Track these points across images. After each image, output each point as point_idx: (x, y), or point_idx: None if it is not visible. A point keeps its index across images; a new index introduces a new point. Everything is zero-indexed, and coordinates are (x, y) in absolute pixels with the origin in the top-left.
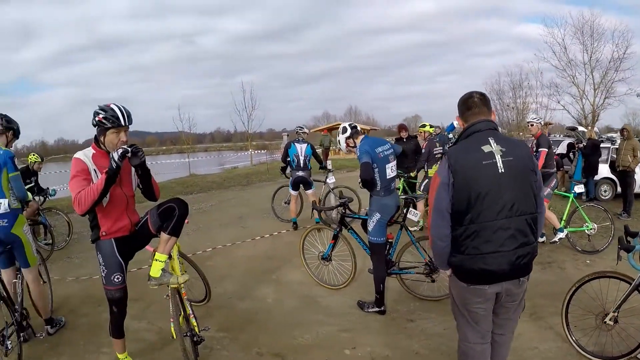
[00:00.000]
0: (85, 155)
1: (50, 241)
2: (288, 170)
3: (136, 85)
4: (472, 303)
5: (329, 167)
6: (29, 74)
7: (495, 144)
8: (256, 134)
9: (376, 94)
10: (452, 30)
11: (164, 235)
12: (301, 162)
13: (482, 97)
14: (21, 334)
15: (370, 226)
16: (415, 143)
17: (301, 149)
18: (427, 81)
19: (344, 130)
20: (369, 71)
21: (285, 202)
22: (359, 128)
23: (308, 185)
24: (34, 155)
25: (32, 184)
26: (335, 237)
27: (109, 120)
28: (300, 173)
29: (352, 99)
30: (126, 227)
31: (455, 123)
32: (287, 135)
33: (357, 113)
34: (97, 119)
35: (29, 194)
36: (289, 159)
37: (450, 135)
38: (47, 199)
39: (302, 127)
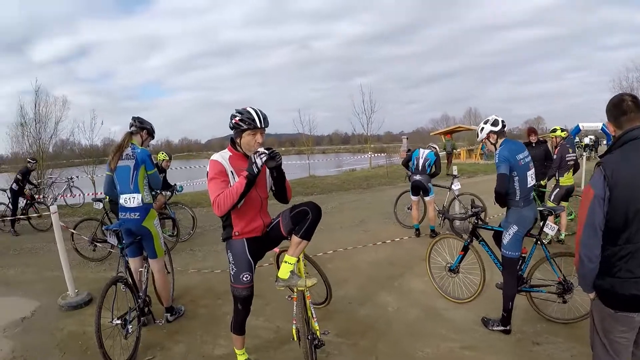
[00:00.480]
0: (222, 157)
1: (176, 233)
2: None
3: (255, 88)
4: (616, 332)
5: (454, 172)
6: (156, 79)
7: None
8: (374, 137)
9: (496, 94)
10: (575, 22)
11: (295, 239)
12: (420, 165)
13: (635, 100)
14: (141, 319)
15: (506, 239)
16: (545, 149)
17: (423, 153)
18: (551, 79)
19: (495, 122)
20: (489, 70)
21: (408, 208)
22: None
23: (425, 191)
24: (162, 153)
25: (161, 180)
26: (465, 249)
27: (246, 122)
28: (417, 177)
29: (471, 100)
30: (259, 229)
31: (582, 125)
32: (407, 138)
33: (477, 115)
34: (233, 121)
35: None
36: (410, 162)
37: (577, 139)
38: (174, 194)
39: (431, 146)
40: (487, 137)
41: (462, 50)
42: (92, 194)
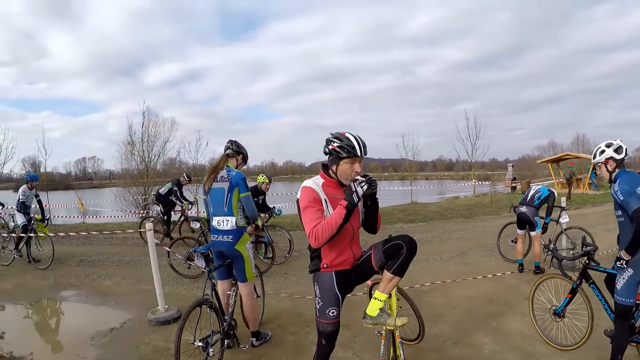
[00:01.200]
0: (315, 183)
1: (271, 255)
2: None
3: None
4: None
5: (562, 203)
6: (261, 102)
7: None
8: (478, 164)
9: (605, 120)
10: None
11: (387, 274)
12: (529, 196)
13: None
14: (226, 342)
15: (620, 284)
16: None
17: (537, 186)
18: None
19: (619, 150)
20: (596, 94)
21: (512, 241)
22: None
23: (531, 225)
24: (263, 176)
25: (260, 202)
26: (573, 292)
27: (344, 150)
28: (522, 209)
29: (579, 126)
30: (349, 261)
31: None
32: (512, 165)
33: (585, 142)
34: (330, 147)
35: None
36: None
37: None
38: (272, 216)
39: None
40: (605, 163)
41: (567, 73)
42: (195, 212)
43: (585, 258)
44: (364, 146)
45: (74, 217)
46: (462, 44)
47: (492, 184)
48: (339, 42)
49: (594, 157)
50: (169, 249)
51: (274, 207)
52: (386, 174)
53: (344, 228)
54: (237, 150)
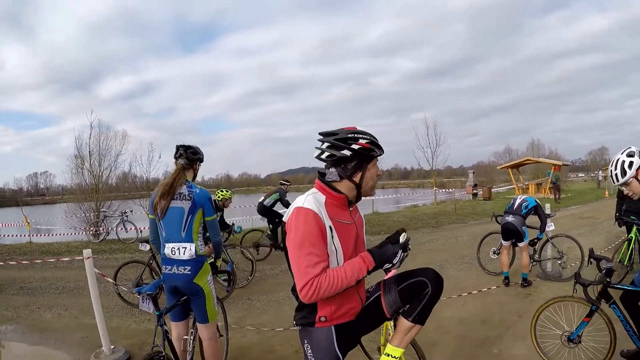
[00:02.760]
0: (317, 202)
1: (232, 282)
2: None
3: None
4: None
5: (547, 211)
6: (216, 115)
7: None
8: (435, 171)
9: (557, 125)
10: (632, 47)
11: (404, 322)
12: (515, 204)
13: None
14: None
15: None
16: None
17: (523, 196)
18: (611, 107)
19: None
20: (548, 101)
21: (494, 252)
22: None
23: (519, 236)
24: (226, 191)
25: (218, 219)
26: (591, 314)
27: (377, 146)
28: (509, 218)
29: (533, 132)
30: (354, 311)
31: None
32: (473, 172)
33: (540, 147)
34: (356, 145)
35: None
36: None
37: None
38: (231, 234)
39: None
40: (636, 176)
41: (519, 81)
42: (145, 228)
43: (607, 277)
44: None
45: (21, 235)
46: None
47: (454, 191)
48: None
49: (622, 175)
50: (111, 280)
51: (232, 223)
52: None
53: None
54: (192, 158)
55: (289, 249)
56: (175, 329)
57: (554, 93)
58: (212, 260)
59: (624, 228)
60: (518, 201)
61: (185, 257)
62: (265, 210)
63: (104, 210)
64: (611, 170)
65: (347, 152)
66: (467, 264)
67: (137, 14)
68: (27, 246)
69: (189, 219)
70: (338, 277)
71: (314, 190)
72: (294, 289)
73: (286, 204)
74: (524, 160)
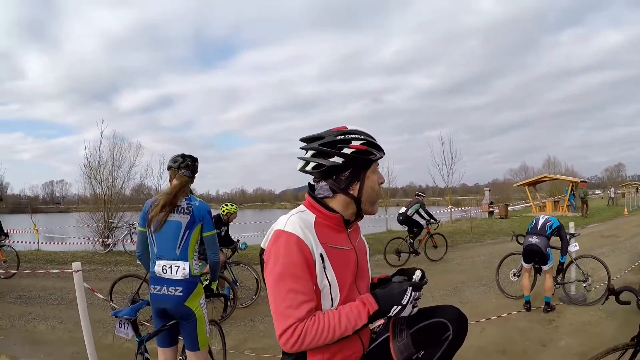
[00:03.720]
0: (304, 223)
1: (232, 297)
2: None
3: None
4: None
5: (571, 230)
6: (234, 130)
7: None
8: (450, 189)
9: (572, 142)
10: None
11: None
12: (539, 224)
13: None
14: None
15: None
16: None
17: (546, 216)
18: (628, 123)
19: None
20: (564, 117)
21: (515, 275)
22: None
23: (543, 258)
24: (229, 205)
25: (223, 234)
26: (636, 353)
27: (376, 148)
28: (533, 239)
29: (549, 149)
30: (354, 357)
31: None
32: (489, 190)
33: (556, 164)
34: (349, 149)
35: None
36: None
37: None
38: (236, 251)
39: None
40: None
41: (534, 98)
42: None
43: None
44: None
45: (31, 242)
46: (431, 72)
47: (469, 209)
48: (310, 70)
49: None
50: (101, 296)
51: (238, 240)
52: None
53: (352, 300)
54: (196, 169)
55: (267, 283)
56: (162, 355)
57: (569, 109)
58: (207, 282)
59: None
60: (541, 221)
61: (178, 276)
62: (407, 220)
63: (111, 221)
64: None
65: (338, 159)
66: (485, 286)
67: (158, 29)
68: (34, 254)
69: (185, 235)
70: (329, 324)
71: (301, 207)
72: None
73: (427, 213)
74: (540, 178)
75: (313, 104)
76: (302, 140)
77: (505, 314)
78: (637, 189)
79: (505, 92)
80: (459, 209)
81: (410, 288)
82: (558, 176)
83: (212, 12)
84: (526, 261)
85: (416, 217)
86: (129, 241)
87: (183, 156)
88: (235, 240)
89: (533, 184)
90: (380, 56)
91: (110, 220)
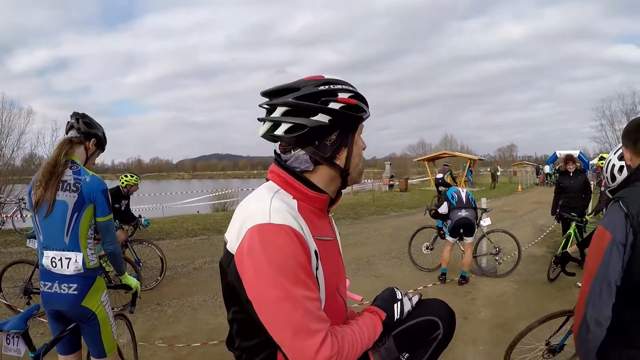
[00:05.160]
0: (293, 211)
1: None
2: (443, 209)
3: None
4: None
5: (484, 205)
6: (131, 96)
7: None
8: None
9: (469, 122)
10: (543, 55)
11: None
12: (463, 198)
13: None
14: None
15: None
16: (584, 179)
17: (461, 190)
18: (521, 108)
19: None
20: (462, 99)
21: (428, 248)
22: None
23: (470, 231)
24: (131, 176)
25: (123, 209)
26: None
27: (366, 104)
28: (463, 213)
29: (446, 127)
30: None
31: (560, 153)
32: (390, 164)
33: (453, 142)
34: (337, 103)
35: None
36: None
37: (547, 169)
38: (137, 228)
39: (447, 164)
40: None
41: (435, 79)
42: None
43: None
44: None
45: None
46: (338, 47)
47: (370, 182)
48: (217, 39)
49: (612, 180)
50: None
51: (140, 216)
52: (255, 171)
53: (336, 310)
54: (87, 132)
55: (256, 300)
56: None
57: (468, 92)
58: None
59: (548, 221)
60: (463, 194)
61: (70, 271)
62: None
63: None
64: (604, 172)
65: (323, 118)
66: (396, 259)
67: None
68: None
69: (74, 219)
70: (356, 336)
71: (271, 185)
72: (231, 343)
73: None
74: (440, 154)
75: (216, 72)
76: (264, 94)
77: (421, 287)
78: (537, 169)
79: (408, 72)
80: None
81: (394, 287)
82: (456, 153)
83: None
84: (453, 235)
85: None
86: (18, 217)
87: (72, 115)
88: (137, 215)
89: (432, 159)
90: (289, 28)
91: None
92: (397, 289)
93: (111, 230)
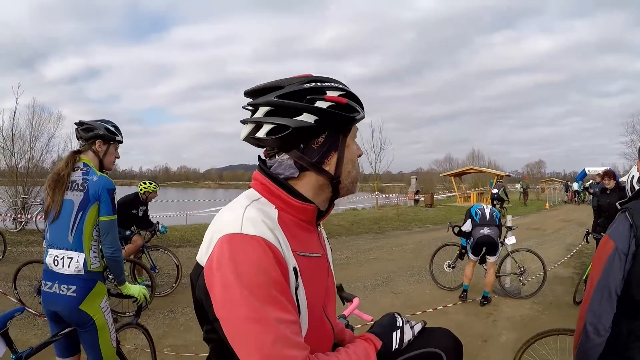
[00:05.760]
0: (270, 222)
1: (150, 284)
2: (467, 226)
3: None
4: None
5: (509, 223)
6: (162, 106)
7: None
8: (373, 176)
9: (497, 137)
10: (572, 69)
11: None
12: (487, 215)
13: None
14: None
15: None
16: (621, 197)
17: (486, 206)
18: (549, 124)
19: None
20: (490, 113)
21: (450, 266)
22: None
23: (493, 250)
24: (149, 183)
25: (141, 215)
26: None
27: (358, 103)
28: (485, 230)
29: (473, 142)
30: None
31: (589, 170)
32: (416, 178)
33: (480, 157)
34: (324, 102)
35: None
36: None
37: (575, 186)
38: (155, 234)
39: (500, 179)
40: None
41: (463, 93)
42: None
43: None
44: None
45: None
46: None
47: (395, 197)
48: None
49: (631, 191)
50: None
51: (157, 222)
52: None
53: (322, 335)
54: (87, 136)
55: (225, 320)
56: None
57: (495, 107)
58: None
59: (576, 239)
60: (487, 211)
61: (70, 271)
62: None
63: (24, 196)
64: (625, 183)
65: (309, 118)
66: (416, 276)
67: None
68: None
69: (79, 217)
70: None
71: (252, 193)
72: None
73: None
74: (466, 169)
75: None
76: (247, 94)
77: (441, 307)
78: (566, 186)
79: (435, 86)
80: (384, 195)
81: (395, 313)
82: (483, 169)
83: None
84: (475, 253)
85: None
86: (42, 218)
87: (76, 125)
88: (155, 222)
89: (459, 174)
90: (316, 41)
91: (24, 196)
92: (399, 315)
93: (112, 232)
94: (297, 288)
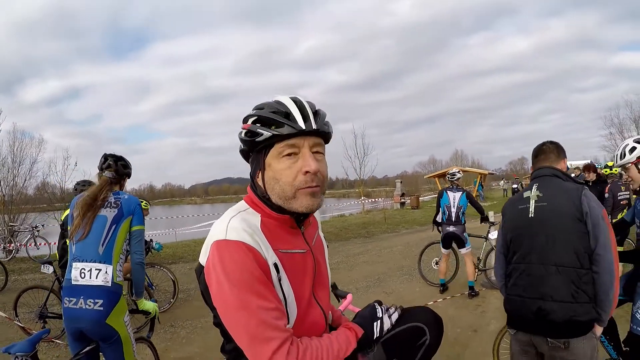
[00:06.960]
0: (250, 229)
1: (156, 301)
2: (440, 217)
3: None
4: (516, 353)
5: (492, 219)
6: (143, 123)
7: (535, 190)
8: (358, 181)
9: (479, 137)
10: (550, 67)
11: None
12: (452, 214)
13: (550, 145)
14: None
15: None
16: (601, 189)
17: (454, 198)
18: (530, 121)
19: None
20: (471, 114)
21: (437, 264)
22: None
23: (460, 242)
24: (142, 201)
25: None
26: None
27: (270, 123)
28: (450, 228)
29: (456, 143)
30: None
31: (570, 164)
32: (401, 181)
33: (463, 157)
34: (244, 127)
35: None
36: (439, 211)
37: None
38: (149, 252)
39: (454, 174)
40: (636, 163)
41: (444, 95)
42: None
43: None
44: (316, 113)
45: None
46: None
47: (381, 201)
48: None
49: (621, 157)
50: (2, 314)
51: (151, 240)
52: None
53: (312, 322)
54: (122, 172)
55: (220, 309)
56: None
57: (476, 107)
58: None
59: None
60: (454, 210)
61: (98, 281)
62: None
63: (12, 224)
64: (616, 151)
65: (242, 146)
66: (407, 275)
67: (70, 16)
68: None
69: (112, 230)
70: (324, 348)
71: (242, 205)
72: (225, 350)
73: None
74: (445, 171)
75: (224, 97)
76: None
77: (431, 302)
78: None
79: (416, 90)
80: (370, 200)
81: (376, 303)
82: (467, 168)
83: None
84: (445, 246)
85: None
86: (32, 245)
87: (106, 156)
88: (149, 240)
89: (443, 175)
90: (295, 52)
91: (11, 224)
92: (379, 305)
93: (142, 240)
94: (280, 280)
